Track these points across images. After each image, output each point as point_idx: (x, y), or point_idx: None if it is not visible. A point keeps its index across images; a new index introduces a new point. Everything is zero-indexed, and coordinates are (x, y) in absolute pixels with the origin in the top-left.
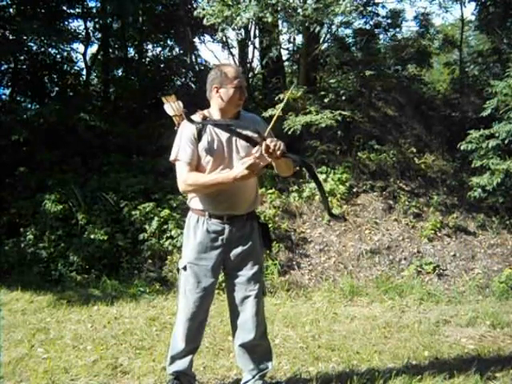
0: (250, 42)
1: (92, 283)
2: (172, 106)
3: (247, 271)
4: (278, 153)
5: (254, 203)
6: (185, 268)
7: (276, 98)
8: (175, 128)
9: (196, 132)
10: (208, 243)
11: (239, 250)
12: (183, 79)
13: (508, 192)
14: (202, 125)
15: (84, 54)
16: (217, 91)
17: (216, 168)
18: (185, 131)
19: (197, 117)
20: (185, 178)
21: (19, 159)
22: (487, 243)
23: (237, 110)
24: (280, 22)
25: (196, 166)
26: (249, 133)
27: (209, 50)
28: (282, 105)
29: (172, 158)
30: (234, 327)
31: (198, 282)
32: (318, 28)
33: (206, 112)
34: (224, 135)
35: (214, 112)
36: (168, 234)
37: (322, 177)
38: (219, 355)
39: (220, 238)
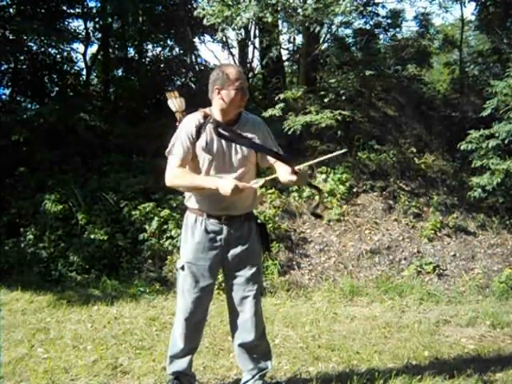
0: (250, 42)
1: (92, 283)
2: (174, 102)
3: (245, 272)
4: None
5: (251, 204)
6: (183, 268)
7: (276, 98)
8: (177, 124)
9: (195, 130)
10: (206, 243)
11: (237, 250)
12: (183, 79)
13: (508, 192)
14: (201, 123)
15: (84, 54)
16: (218, 92)
17: (214, 167)
18: (184, 128)
19: (198, 114)
20: (173, 171)
21: (19, 159)
22: (487, 243)
23: (238, 111)
24: (280, 22)
25: (194, 164)
26: (249, 135)
27: (209, 50)
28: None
29: (167, 151)
30: (234, 327)
31: (195, 282)
32: (317, 28)
33: (207, 110)
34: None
35: (215, 112)
36: (168, 234)
37: (322, 177)
38: (219, 355)
39: (218, 238)
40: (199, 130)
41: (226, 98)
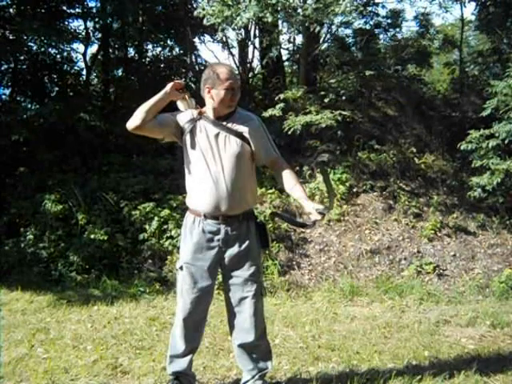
0: (250, 42)
1: (92, 283)
2: (184, 103)
3: (244, 272)
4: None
5: (250, 203)
6: (181, 268)
7: (276, 98)
8: None
9: (187, 119)
10: (204, 243)
11: (235, 250)
12: (183, 79)
13: (508, 192)
14: (195, 118)
15: (84, 54)
16: (208, 91)
17: (204, 164)
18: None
19: (195, 111)
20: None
21: (19, 159)
22: (487, 243)
23: (229, 110)
24: (280, 22)
25: (187, 161)
26: (239, 128)
27: (209, 50)
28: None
29: None
30: (232, 327)
31: (194, 282)
32: (317, 28)
33: (204, 109)
34: (213, 130)
35: (208, 110)
36: (168, 234)
37: (322, 177)
38: (219, 355)
39: (216, 238)
40: (191, 121)
41: (216, 97)
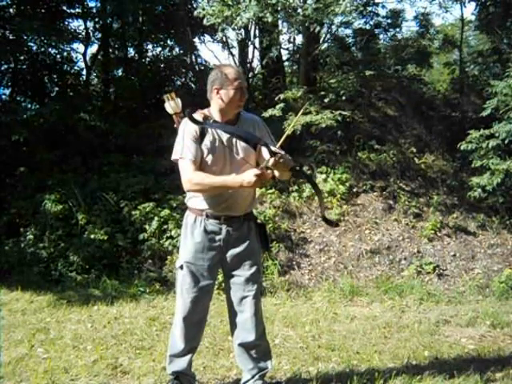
0: (250, 42)
1: (92, 283)
2: (171, 104)
3: (245, 272)
4: (287, 167)
5: (251, 204)
6: (182, 267)
7: (276, 98)
8: (174, 126)
9: (199, 130)
10: (205, 243)
11: (237, 250)
12: (183, 79)
13: (508, 192)
14: (204, 124)
15: (84, 54)
16: (217, 92)
17: (216, 168)
18: (187, 129)
19: (197, 116)
20: (190, 176)
21: (19, 159)
22: (487, 243)
23: (237, 110)
24: (280, 22)
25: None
26: (249, 135)
27: (209, 50)
28: (293, 123)
29: (176, 156)
30: (233, 327)
31: (194, 282)
32: (317, 28)
33: (206, 111)
34: (224, 135)
35: (214, 112)
36: (168, 234)
37: (322, 177)
38: (219, 355)
39: (217, 238)
40: (202, 130)
41: (225, 97)
